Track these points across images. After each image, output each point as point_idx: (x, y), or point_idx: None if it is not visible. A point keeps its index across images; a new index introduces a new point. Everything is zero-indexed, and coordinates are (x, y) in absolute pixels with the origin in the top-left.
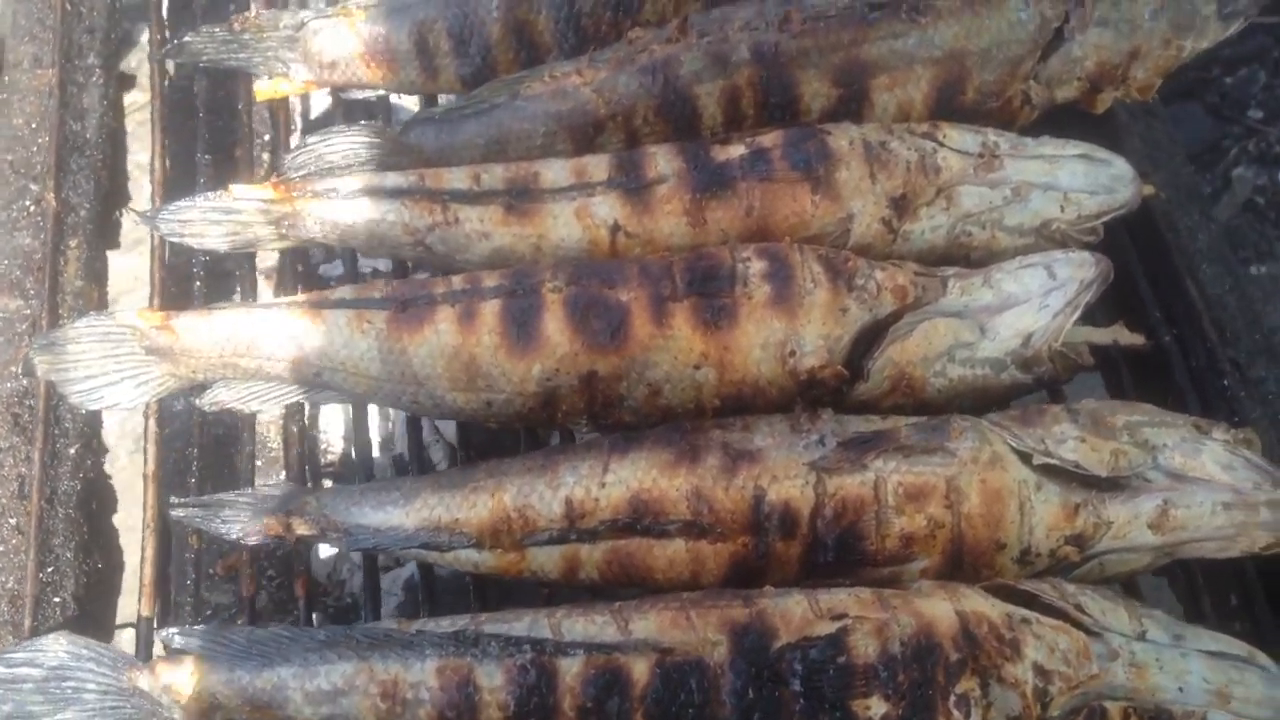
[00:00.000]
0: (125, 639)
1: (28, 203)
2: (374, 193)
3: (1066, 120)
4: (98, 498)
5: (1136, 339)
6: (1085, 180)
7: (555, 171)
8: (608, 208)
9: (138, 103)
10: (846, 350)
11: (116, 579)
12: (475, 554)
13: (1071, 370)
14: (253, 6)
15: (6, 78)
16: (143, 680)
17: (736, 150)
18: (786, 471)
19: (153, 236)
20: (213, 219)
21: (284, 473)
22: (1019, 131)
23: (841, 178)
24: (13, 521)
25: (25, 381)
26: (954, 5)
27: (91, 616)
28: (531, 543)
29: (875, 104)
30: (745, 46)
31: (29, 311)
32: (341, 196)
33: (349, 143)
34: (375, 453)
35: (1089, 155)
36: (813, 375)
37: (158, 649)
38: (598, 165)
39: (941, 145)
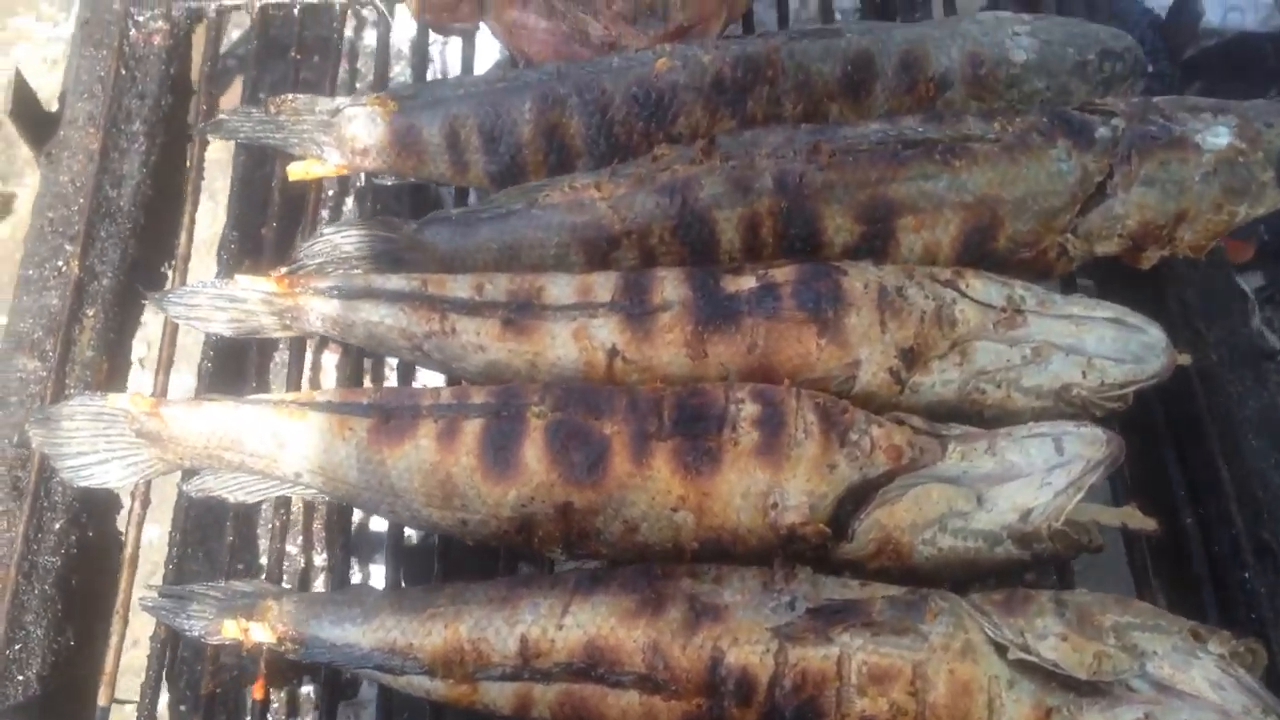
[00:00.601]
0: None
1: (60, 264)
2: (374, 295)
3: (1118, 265)
4: (83, 572)
5: (1148, 523)
6: (1113, 347)
7: (560, 288)
8: (607, 331)
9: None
10: (831, 508)
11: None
12: (427, 682)
13: (1075, 550)
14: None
15: (62, 133)
16: None
17: (747, 283)
18: (749, 635)
19: (165, 318)
20: (219, 305)
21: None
22: (1059, 280)
23: (850, 323)
24: None
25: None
26: (991, 150)
27: (57, 695)
28: (484, 677)
29: (901, 243)
30: (769, 175)
31: (45, 374)
32: (342, 296)
33: (364, 235)
34: None
35: (1121, 320)
36: (793, 531)
37: None
38: (603, 285)
39: (963, 295)
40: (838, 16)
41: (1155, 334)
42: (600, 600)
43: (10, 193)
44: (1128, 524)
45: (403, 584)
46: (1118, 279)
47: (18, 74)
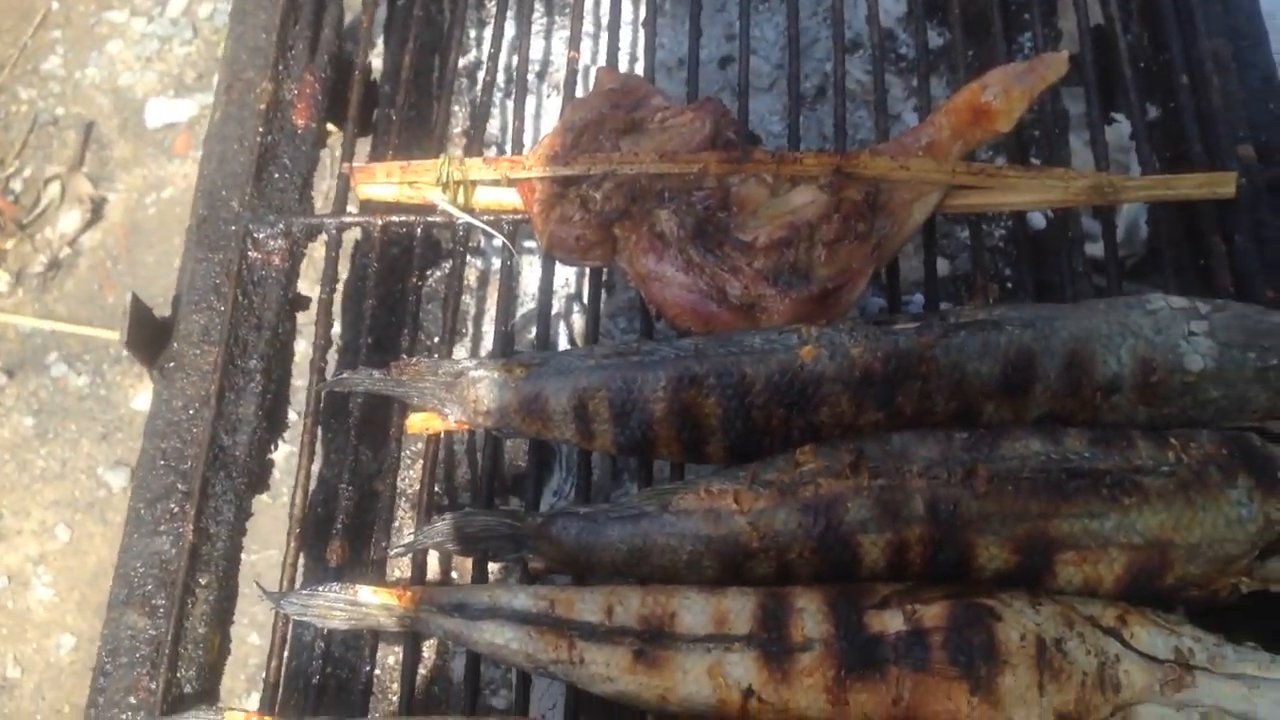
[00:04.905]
0: None
1: (173, 505)
2: (498, 614)
3: None
4: None
5: None
6: None
7: (694, 615)
8: (743, 669)
9: None
10: None
11: None
12: None
13: None
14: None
15: (176, 346)
16: None
17: (894, 623)
18: None
19: (275, 626)
20: (337, 608)
21: None
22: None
23: (1005, 684)
24: None
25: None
26: (1164, 487)
27: None
28: None
29: (1059, 576)
30: (921, 500)
31: (154, 633)
32: (465, 617)
33: (488, 522)
34: None
35: None
36: None
37: None
38: (740, 614)
39: (1127, 648)
40: None
41: None
42: None
43: (101, 196)
44: None
45: None
46: None
47: (133, 299)
